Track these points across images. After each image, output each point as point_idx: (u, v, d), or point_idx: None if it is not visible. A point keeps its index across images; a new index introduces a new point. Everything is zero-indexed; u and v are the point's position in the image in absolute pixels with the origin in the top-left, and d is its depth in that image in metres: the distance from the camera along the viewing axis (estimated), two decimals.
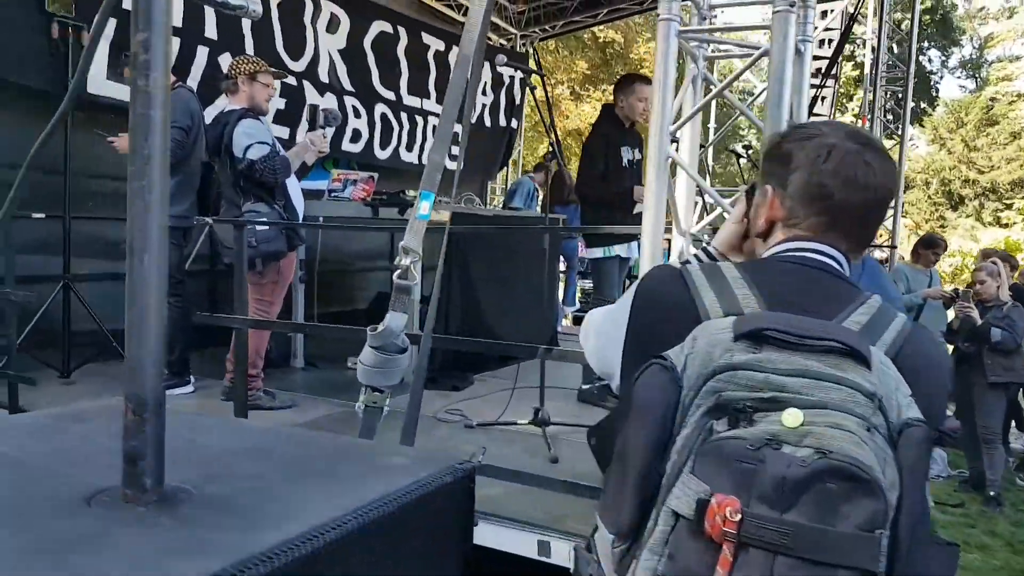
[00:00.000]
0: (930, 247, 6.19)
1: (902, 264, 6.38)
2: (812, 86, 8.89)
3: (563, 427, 3.50)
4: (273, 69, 3.85)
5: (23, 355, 3.83)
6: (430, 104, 6.80)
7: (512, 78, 7.87)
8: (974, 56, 31.61)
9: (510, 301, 5.18)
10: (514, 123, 8.11)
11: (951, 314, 5.76)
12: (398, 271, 2.17)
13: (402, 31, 6.36)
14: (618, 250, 4.12)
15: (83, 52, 3.92)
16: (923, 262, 6.16)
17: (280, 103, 5.25)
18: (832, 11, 8.13)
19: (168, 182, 0.94)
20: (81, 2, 4.08)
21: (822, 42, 8.45)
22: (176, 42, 4.52)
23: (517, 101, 8.03)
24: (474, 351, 4.76)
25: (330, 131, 3.81)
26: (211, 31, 4.72)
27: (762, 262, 1.16)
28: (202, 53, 4.66)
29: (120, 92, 4.30)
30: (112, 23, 4.18)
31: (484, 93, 7.49)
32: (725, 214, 2.11)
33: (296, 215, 3.81)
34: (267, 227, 3.54)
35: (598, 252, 4.12)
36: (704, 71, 2.14)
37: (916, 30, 7.64)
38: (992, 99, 28.44)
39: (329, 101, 5.63)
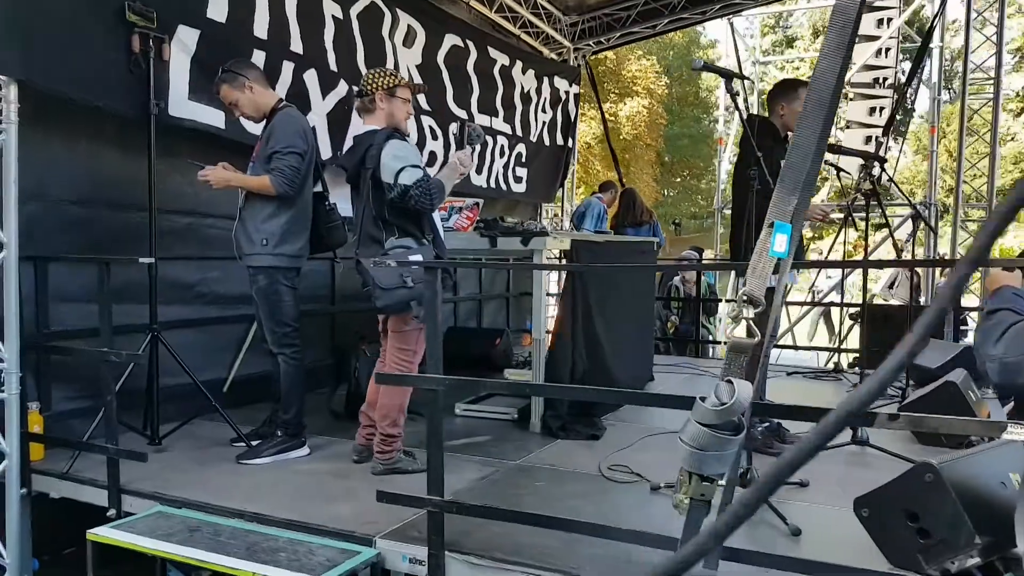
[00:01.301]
0: None
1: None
2: (869, 96, 8.67)
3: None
4: (414, 83, 3.40)
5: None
6: (499, 123, 6.35)
7: (567, 94, 7.46)
8: (947, 68, 32.25)
9: (621, 334, 4.71)
10: (570, 142, 7.68)
11: None
12: (734, 327, 1.70)
13: (471, 45, 5.91)
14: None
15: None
16: None
17: (359, 126, 4.75)
18: (891, 20, 7.89)
19: None
20: (163, 12, 3.56)
21: (879, 51, 8.21)
22: (261, 56, 4.02)
23: (572, 118, 7.61)
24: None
25: (476, 150, 3.34)
26: (296, 45, 4.22)
27: None
28: (287, 69, 4.16)
29: (205, 115, 3.79)
30: (194, 34, 3.68)
31: (543, 111, 7.06)
32: None
33: (444, 249, 3.32)
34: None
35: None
36: None
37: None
38: (972, 109, 28.80)
39: (408, 122, 5.14)
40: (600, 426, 4.01)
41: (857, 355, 7.45)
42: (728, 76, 3.00)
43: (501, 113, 6.37)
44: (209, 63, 3.64)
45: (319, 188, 3.58)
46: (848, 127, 8.60)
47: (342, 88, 4.50)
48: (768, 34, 39.12)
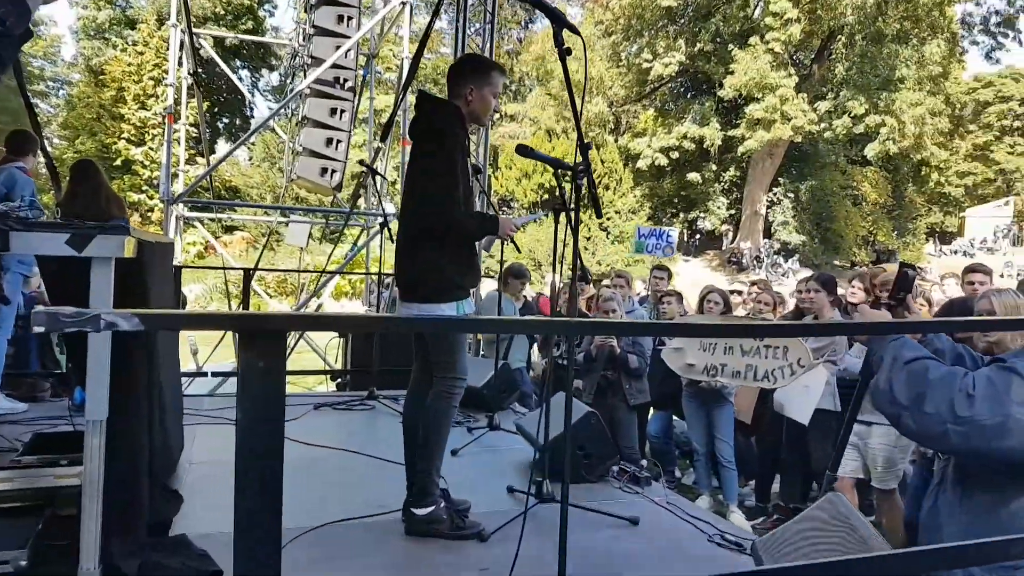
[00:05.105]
0: (519, 277, 6.28)
1: (494, 292, 6.25)
2: (330, 96, 7.93)
3: None
4: None
5: None
6: None
7: None
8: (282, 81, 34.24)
9: (172, 392, 2.98)
10: None
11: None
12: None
13: None
14: (467, 306, 2.78)
15: None
16: (511, 291, 6.19)
17: None
18: (351, 19, 7.48)
19: None
20: None
21: (346, 53, 7.64)
22: None
23: None
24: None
25: None
26: None
27: None
28: None
29: None
30: None
31: None
32: None
33: None
34: None
35: (446, 310, 2.65)
36: None
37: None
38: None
39: None
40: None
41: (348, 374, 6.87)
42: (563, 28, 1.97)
43: None
44: None
45: None
46: (305, 124, 7.82)
47: None
48: (105, 8, 35.05)
